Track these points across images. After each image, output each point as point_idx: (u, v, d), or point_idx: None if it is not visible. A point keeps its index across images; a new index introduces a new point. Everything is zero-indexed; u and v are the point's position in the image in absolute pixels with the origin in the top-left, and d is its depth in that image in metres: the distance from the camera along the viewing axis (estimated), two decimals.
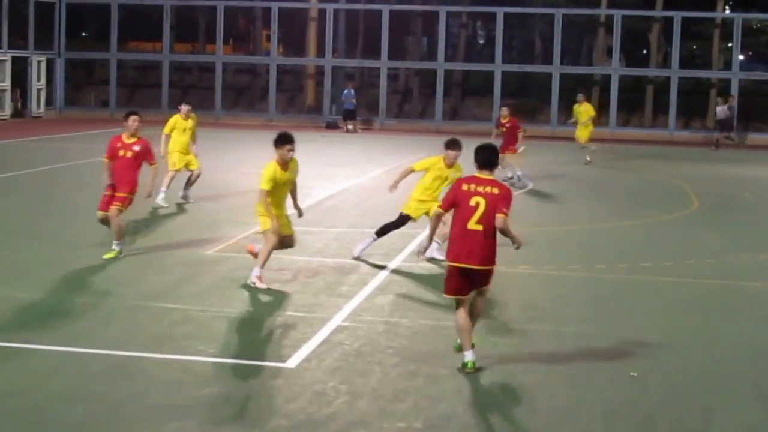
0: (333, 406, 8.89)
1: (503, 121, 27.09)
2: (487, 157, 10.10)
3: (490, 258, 9.92)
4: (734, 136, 44.72)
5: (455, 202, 9.94)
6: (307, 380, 9.60)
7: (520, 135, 26.76)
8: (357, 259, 15.31)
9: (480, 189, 9.84)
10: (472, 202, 9.79)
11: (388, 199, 22.79)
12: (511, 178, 26.33)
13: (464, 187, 9.95)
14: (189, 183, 21.43)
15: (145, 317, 11.75)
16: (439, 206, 10.34)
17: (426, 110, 52.20)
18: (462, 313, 10.02)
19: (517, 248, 10.20)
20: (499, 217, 9.72)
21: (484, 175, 10.00)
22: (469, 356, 9.90)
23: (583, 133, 32.96)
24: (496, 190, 9.84)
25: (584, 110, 33.22)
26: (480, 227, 9.74)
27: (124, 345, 10.53)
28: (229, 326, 11.43)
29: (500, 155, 24.36)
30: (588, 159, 32.61)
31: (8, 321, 11.45)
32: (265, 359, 10.24)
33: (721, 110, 44.62)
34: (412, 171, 15.70)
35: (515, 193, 11.84)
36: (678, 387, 9.83)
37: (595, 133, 43.14)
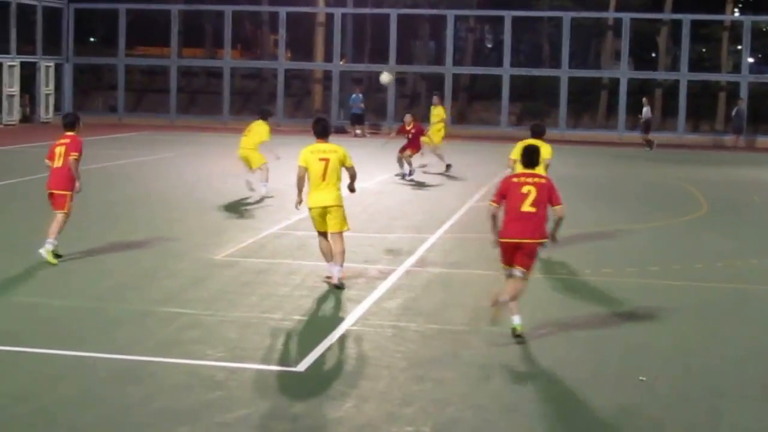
0: (341, 410, 8.91)
1: (408, 127, 28.90)
2: (530, 158, 11.94)
3: (541, 233, 11.47)
4: (653, 140, 44.52)
5: (506, 194, 11.55)
6: (315, 384, 9.63)
7: (425, 136, 29.24)
8: None
9: (529, 180, 11.57)
10: (524, 189, 11.46)
11: (395, 204, 22.86)
12: (410, 174, 28.13)
13: (514, 179, 11.68)
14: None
15: (152, 321, 11.78)
16: (492, 202, 11.69)
17: None
18: (511, 284, 11.44)
19: (553, 241, 11.92)
20: (559, 209, 11.59)
21: (529, 170, 11.81)
22: (516, 320, 11.32)
23: (436, 136, 31.19)
24: (543, 180, 11.64)
25: (437, 113, 32.51)
26: (534, 209, 11.39)
27: (132, 349, 10.57)
28: (237, 331, 11.45)
29: (401, 153, 28.08)
30: (446, 163, 30.37)
31: (17, 326, 11.49)
32: (273, 363, 10.26)
33: (646, 110, 44.59)
34: (512, 160, 16.77)
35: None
36: (686, 391, 9.82)
37: (595, 136, 43.08)
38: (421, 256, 16.32)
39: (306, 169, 13.76)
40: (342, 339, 11.22)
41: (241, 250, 16.35)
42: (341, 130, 47.74)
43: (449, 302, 13.22)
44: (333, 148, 13.82)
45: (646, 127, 44.50)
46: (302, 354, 10.53)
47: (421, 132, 28.75)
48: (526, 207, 11.39)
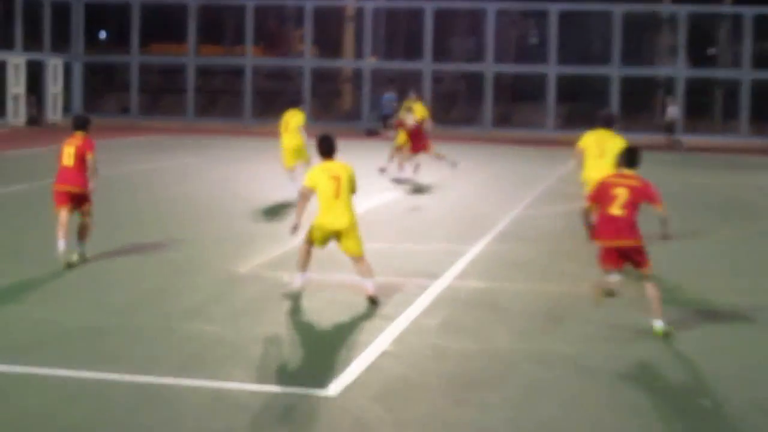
0: None
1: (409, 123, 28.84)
2: (630, 157, 12.82)
3: (634, 235, 12.36)
4: (683, 141, 44.22)
5: (600, 195, 12.54)
6: (349, 408, 9.65)
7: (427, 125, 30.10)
8: None
9: (622, 181, 12.49)
10: (614, 192, 12.37)
11: (432, 213, 22.88)
12: (384, 170, 28.91)
13: (607, 181, 12.64)
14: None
15: (174, 339, 11.86)
16: (588, 200, 12.98)
17: (474, 116, 52.18)
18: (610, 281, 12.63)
19: (666, 239, 12.73)
20: (659, 208, 12.51)
21: (627, 171, 12.68)
22: (659, 324, 12.27)
23: (403, 137, 29.78)
24: (636, 183, 12.50)
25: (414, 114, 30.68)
26: (622, 212, 12.27)
27: (152, 369, 10.63)
28: (265, 349, 11.51)
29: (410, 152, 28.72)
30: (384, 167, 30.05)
31: (29, 343, 11.58)
32: (303, 385, 10.29)
33: (672, 110, 44.30)
34: (580, 149, 18.13)
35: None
36: (754, 420, 9.75)
37: (649, 140, 42.62)
38: (461, 269, 16.34)
39: (312, 191, 13.85)
40: (376, 359, 11.24)
41: (267, 262, 16.42)
42: (373, 133, 47.83)
43: (493, 319, 13.22)
44: (343, 166, 14.00)
45: (670, 128, 44.26)
46: (333, 375, 10.55)
47: (420, 128, 28.61)
48: (615, 210, 12.34)
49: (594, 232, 12.76)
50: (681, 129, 48.53)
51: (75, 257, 15.72)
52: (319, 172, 13.89)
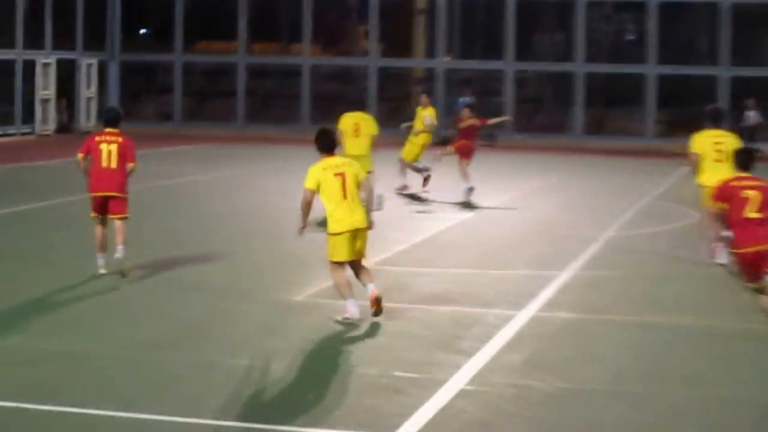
0: None
1: (462, 121, 28.84)
2: (746, 158, 14.20)
3: None
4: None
5: (725, 198, 13.70)
6: None
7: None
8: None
9: (750, 183, 13.73)
10: (745, 194, 13.54)
11: (514, 233, 22.74)
12: (472, 188, 27.33)
13: (733, 183, 13.84)
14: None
15: (218, 376, 11.84)
16: (713, 199, 14.11)
17: (562, 123, 51.97)
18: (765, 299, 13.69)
19: None
20: None
21: (745, 173, 13.97)
22: None
23: (412, 149, 29.05)
24: (764, 183, 13.74)
25: (426, 115, 29.53)
26: (759, 215, 13.43)
27: (195, 410, 10.63)
28: (323, 389, 11.46)
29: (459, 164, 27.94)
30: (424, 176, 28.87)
31: (58, 380, 11.65)
32: (369, 429, 10.23)
33: (751, 115, 43.56)
34: (696, 154, 18.36)
35: None
36: None
37: None
38: (549, 298, 16.21)
39: (314, 193, 14.21)
40: (452, 400, 11.15)
41: (326, 289, 16.32)
42: (447, 141, 47.70)
43: (584, 356, 13.12)
44: (346, 162, 14.54)
45: (751, 135, 43.58)
46: (404, 418, 10.47)
47: (474, 130, 28.69)
48: (751, 213, 13.47)
49: (733, 243, 13.65)
50: None
51: (124, 266, 16.17)
52: (320, 171, 14.23)
